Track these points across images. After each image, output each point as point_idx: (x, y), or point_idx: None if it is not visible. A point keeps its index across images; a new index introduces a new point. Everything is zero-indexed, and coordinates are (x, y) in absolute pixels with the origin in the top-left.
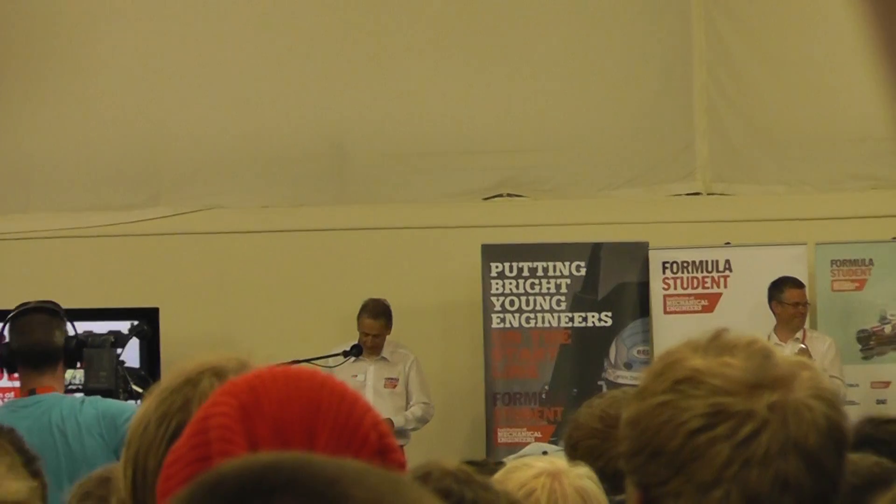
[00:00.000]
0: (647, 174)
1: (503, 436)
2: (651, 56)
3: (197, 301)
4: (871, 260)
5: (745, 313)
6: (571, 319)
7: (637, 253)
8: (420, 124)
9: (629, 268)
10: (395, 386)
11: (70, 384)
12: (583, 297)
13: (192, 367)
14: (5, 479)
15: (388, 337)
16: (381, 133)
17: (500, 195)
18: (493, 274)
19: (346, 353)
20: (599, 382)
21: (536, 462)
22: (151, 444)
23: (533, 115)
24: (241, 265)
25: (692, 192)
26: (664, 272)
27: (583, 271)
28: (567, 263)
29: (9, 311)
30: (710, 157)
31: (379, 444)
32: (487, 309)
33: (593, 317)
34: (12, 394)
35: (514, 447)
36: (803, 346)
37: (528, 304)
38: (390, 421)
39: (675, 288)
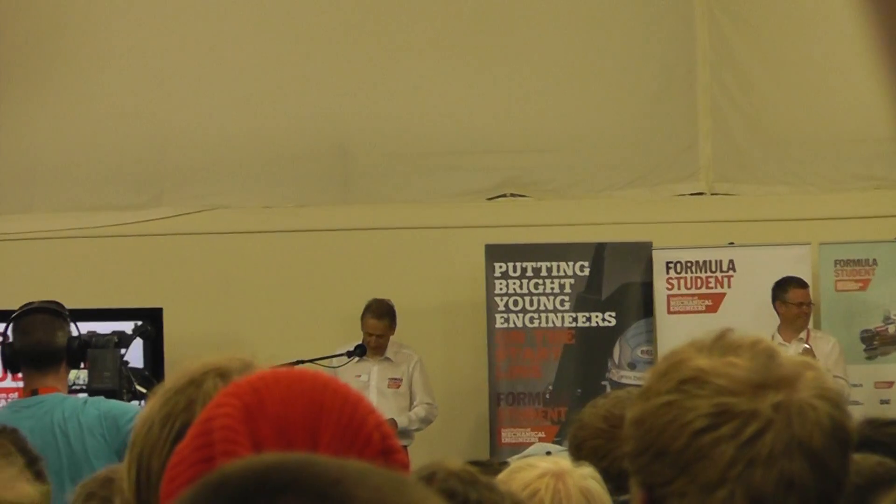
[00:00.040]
0: (651, 174)
1: (507, 436)
2: (654, 56)
3: (200, 301)
4: (874, 260)
5: (748, 313)
6: (575, 319)
7: (641, 253)
8: (423, 124)
9: (633, 268)
10: (398, 386)
11: (74, 384)
12: (586, 298)
13: (196, 367)
14: (18, 481)
15: (391, 337)
16: (384, 133)
17: (504, 195)
18: (497, 274)
19: (349, 354)
20: (603, 382)
21: (540, 462)
22: (155, 444)
23: (536, 114)
24: (245, 265)
25: (696, 192)
26: (668, 272)
27: (586, 271)
28: (571, 263)
29: (12, 312)
30: (714, 157)
31: (382, 444)
32: (491, 309)
33: (597, 317)
34: (16, 394)
35: (518, 447)
36: (807, 346)
37: (531, 304)
38: (394, 421)
39: (679, 288)
